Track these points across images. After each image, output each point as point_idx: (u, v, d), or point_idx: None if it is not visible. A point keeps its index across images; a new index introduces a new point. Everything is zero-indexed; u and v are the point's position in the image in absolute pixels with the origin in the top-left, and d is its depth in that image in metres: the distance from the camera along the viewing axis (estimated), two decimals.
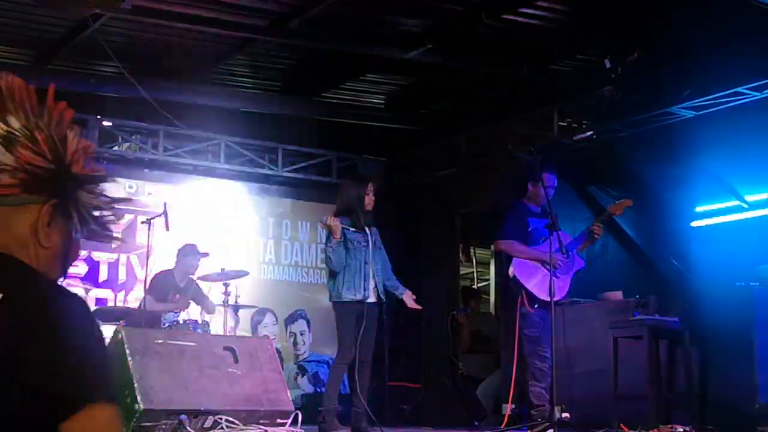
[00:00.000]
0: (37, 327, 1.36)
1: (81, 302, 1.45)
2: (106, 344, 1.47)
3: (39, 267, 1.50)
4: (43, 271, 1.51)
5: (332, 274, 6.62)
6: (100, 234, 1.63)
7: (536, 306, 6.67)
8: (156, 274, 8.15)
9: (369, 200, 6.70)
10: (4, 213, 1.50)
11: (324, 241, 6.84)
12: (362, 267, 6.58)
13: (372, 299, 6.63)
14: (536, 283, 6.69)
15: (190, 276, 8.29)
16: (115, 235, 1.68)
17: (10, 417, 1.32)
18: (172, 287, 8.06)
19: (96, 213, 1.60)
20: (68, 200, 1.55)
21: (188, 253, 8.20)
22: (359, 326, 6.58)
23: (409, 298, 6.79)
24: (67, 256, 1.58)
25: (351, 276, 6.53)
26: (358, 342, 6.61)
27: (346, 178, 8.34)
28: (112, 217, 1.63)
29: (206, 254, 8.28)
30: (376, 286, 6.63)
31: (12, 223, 1.50)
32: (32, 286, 1.43)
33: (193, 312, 8.24)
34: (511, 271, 6.77)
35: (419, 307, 6.86)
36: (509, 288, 6.85)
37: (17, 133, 1.50)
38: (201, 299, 8.20)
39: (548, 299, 6.45)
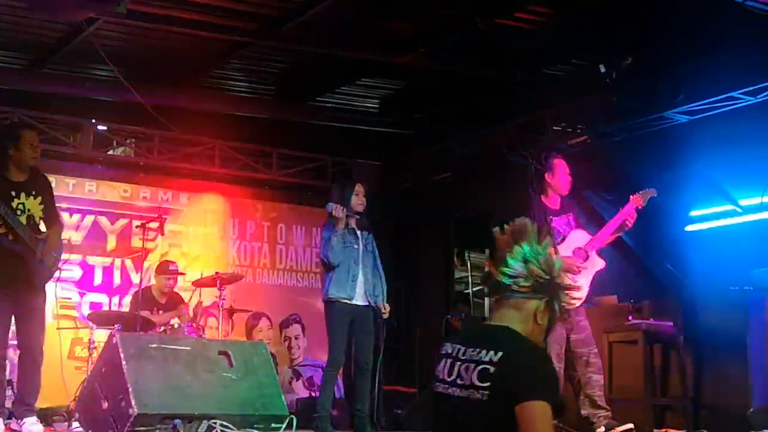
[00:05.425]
0: (524, 365, 2.50)
1: (545, 354, 2.77)
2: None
3: (530, 335, 2.62)
4: (533, 337, 2.63)
5: (327, 270, 6.60)
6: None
7: None
8: (135, 292, 8.20)
9: (357, 201, 6.61)
10: (518, 301, 2.62)
11: (321, 239, 6.76)
12: (350, 267, 6.55)
13: (360, 302, 6.57)
14: None
15: (170, 292, 8.33)
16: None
17: (500, 405, 2.46)
18: (153, 304, 8.10)
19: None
20: (554, 298, 2.65)
21: (162, 271, 8.28)
22: (350, 330, 6.56)
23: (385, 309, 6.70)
24: (550, 331, 2.70)
25: (338, 275, 6.51)
26: (353, 346, 6.60)
27: (336, 180, 8.37)
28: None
29: (182, 273, 8.34)
30: (366, 290, 6.60)
31: (521, 307, 2.63)
32: (524, 345, 2.58)
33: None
34: None
35: (386, 316, 6.70)
36: None
37: (528, 255, 2.59)
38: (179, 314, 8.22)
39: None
